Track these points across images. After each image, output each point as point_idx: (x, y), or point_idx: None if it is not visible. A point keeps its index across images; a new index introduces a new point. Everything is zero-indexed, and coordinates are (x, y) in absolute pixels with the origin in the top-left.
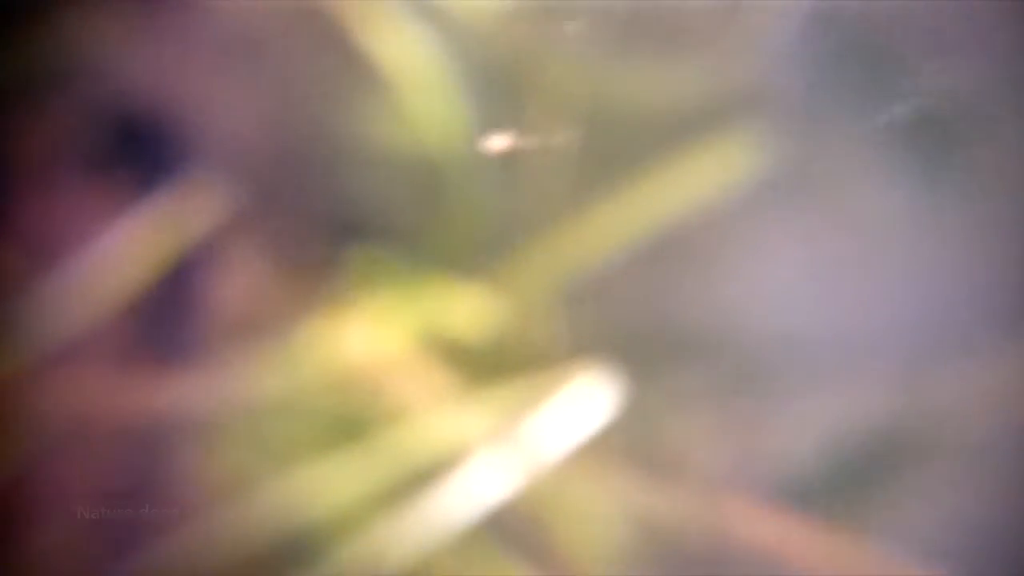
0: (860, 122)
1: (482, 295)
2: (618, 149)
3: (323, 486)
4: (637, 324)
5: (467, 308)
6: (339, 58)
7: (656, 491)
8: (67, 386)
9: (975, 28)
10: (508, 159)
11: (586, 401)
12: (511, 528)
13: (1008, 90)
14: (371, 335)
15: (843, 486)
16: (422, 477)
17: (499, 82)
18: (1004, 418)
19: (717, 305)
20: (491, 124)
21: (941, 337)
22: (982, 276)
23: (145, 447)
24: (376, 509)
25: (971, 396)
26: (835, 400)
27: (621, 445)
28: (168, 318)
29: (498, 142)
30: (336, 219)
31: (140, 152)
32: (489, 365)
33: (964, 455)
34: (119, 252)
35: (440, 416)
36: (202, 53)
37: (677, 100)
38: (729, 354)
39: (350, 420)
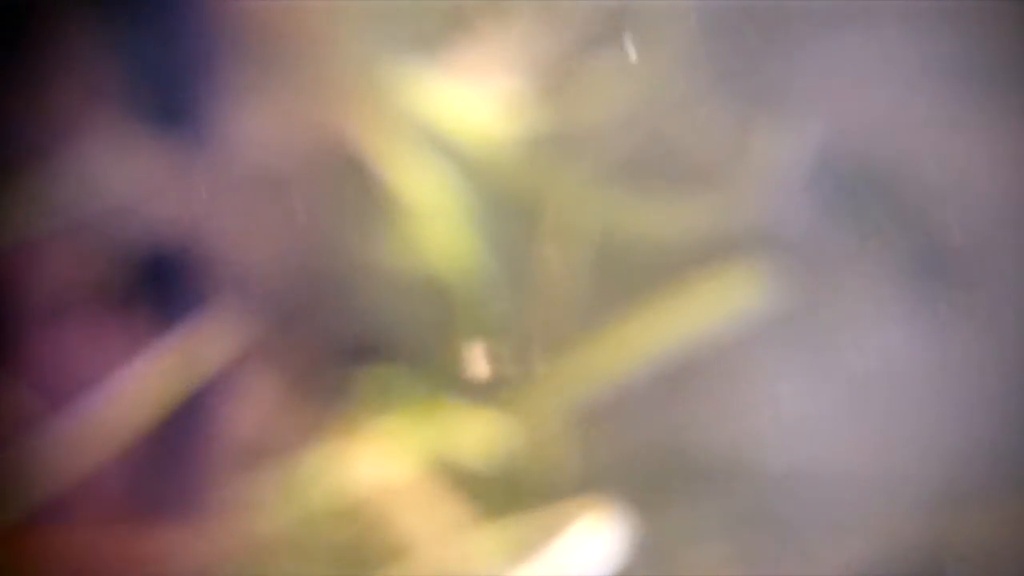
0: (869, 258)
1: (493, 421)
2: (628, 280)
3: None
4: (648, 454)
5: (478, 434)
6: (358, 191)
7: None
8: (75, 530)
9: (983, 166)
10: (519, 286)
11: (598, 535)
12: None
13: (1018, 228)
14: (381, 461)
15: None
16: None
17: (512, 211)
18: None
19: (730, 437)
20: (504, 251)
21: (959, 475)
22: (999, 412)
23: None
24: None
25: (992, 536)
26: (850, 537)
27: (629, 570)
28: (178, 452)
29: (480, 367)
30: (348, 343)
31: (158, 286)
32: (500, 493)
33: None
34: (134, 389)
35: (450, 548)
36: (223, 189)
37: (687, 233)
38: (742, 488)
39: (359, 552)
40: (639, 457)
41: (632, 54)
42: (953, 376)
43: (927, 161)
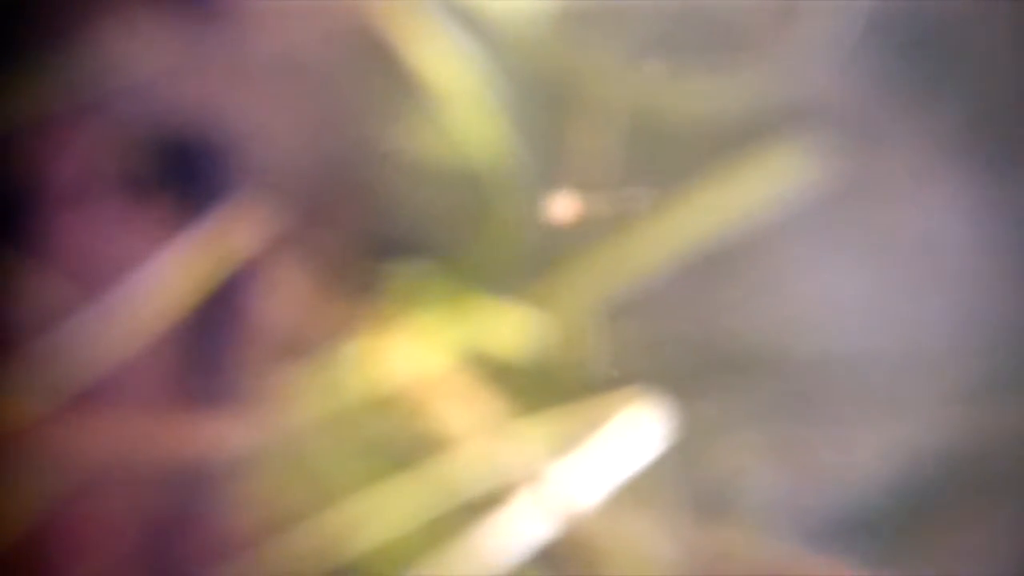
0: (917, 135)
1: (526, 314)
2: (664, 162)
3: (368, 515)
4: (684, 343)
5: (511, 327)
6: (382, 75)
7: (705, 522)
8: (108, 419)
9: None
10: (551, 173)
11: (634, 427)
12: (558, 558)
13: None
14: (414, 355)
15: (900, 512)
16: (468, 504)
17: (544, 95)
18: None
19: (767, 324)
20: (535, 135)
21: (1001, 359)
22: None
23: (191, 477)
24: (422, 538)
25: None
26: (891, 423)
27: (670, 470)
28: (211, 342)
29: (563, 207)
30: (380, 237)
31: (183, 172)
32: (534, 386)
33: (1022, 485)
34: (162, 278)
35: (485, 440)
36: (246, 73)
37: (726, 111)
38: (780, 375)
39: (394, 444)
40: (673, 347)
41: None
42: (996, 256)
43: (978, 27)
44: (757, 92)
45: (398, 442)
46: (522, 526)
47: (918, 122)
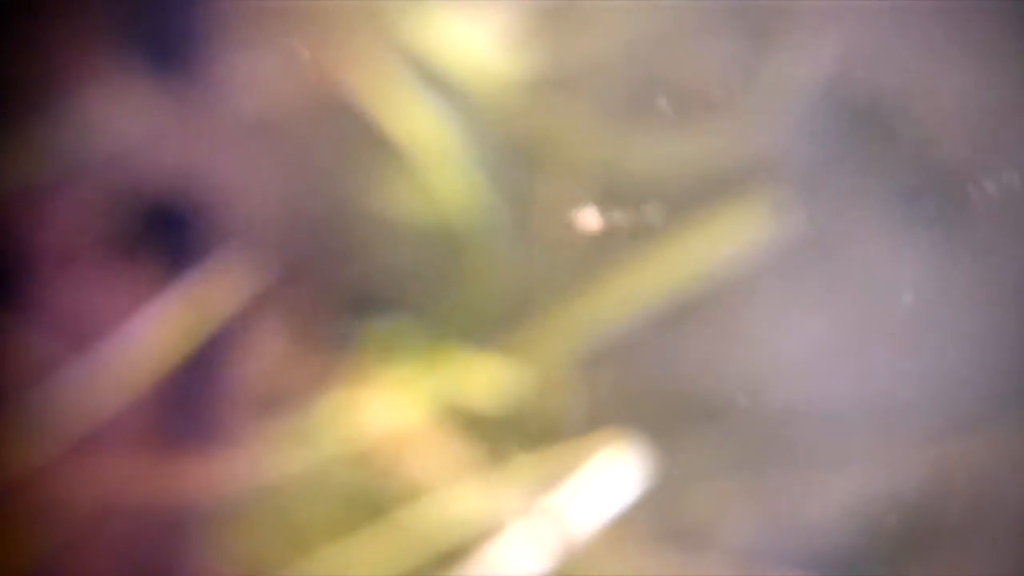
0: (873, 189)
1: (501, 365)
2: (633, 218)
3: (346, 565)
4: (657, 392)
5: (486, 378)
6: (358, 137)
7: (680, 565)
8: (94, 471)
9: (986, 98)
10: (522, 228)
11: (609, 473)
12: None
13: (1018, 158)
14: (391, 408)
15: (870, 558)
16: (445, 553)
17: (516, 153)
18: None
19: (737, 373)
20: (508, 195)
21: (967, 405)
22: (1006, 342)
23: (170, 529)
24: None
25: (996, 465)
26: (860, 469)
27: (644, 516)
28: (192, 398)
29: (590, 219)
30: (356, 292)
31: (166, 234)
32: (510, 436)
33: (991, 525)
34: (146, 335)
35: (461, 490)
36: (225, 137)
37: (693, 167)
38: (748, 423)
39: (371, 496)
40: (644, 396)
41: None
42: (954, 307)
43: (931, 91)
44: (719, 151)
45: (375, 493)
46: (499, 574)
47: (871, 180)
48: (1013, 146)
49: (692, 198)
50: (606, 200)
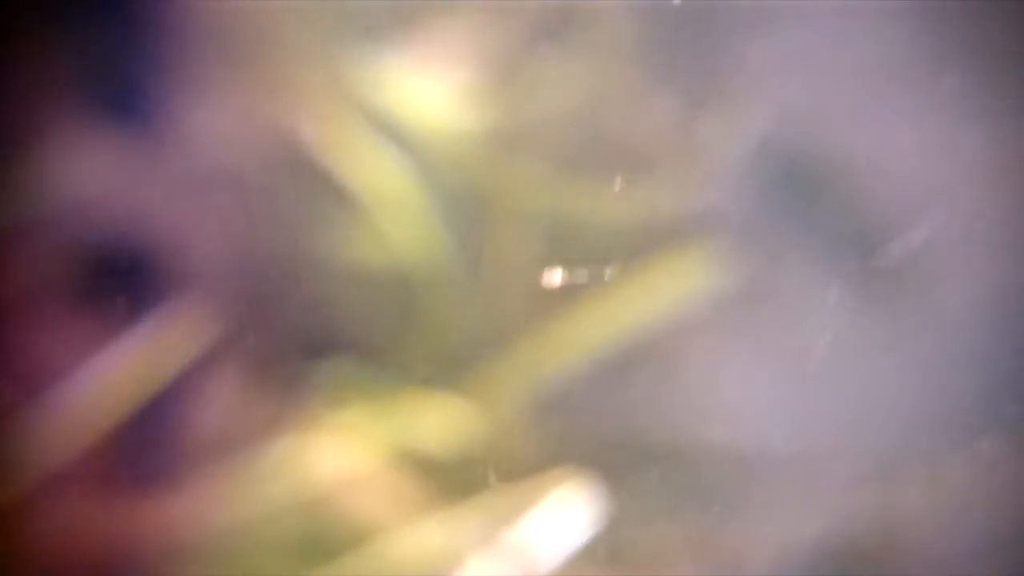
0: (808, 242)
1: (454, 408)
2: (580, 266)
3: None
4: (603, 435)
5: (439, 422)
6: (314, 184)
7: None
8: (46, 517)
9: (917, 155)
10: (475, 275)
11: (561, 514)
12: None
13: (949, 212)
14: (344, 452)
15: None
16: None
17: (469, 203)
18: (965, 526)
19: (679, 417)
20: (462, 243)
21: (897, 448)
22: (937, 387)
23: (123, 572)
24: None
25: (929, 506)
26: (795, 509)
27: (592, 556)
28: (144, 443)
29: (555, 277)
30: (309, 336)
31: (122, 283)
32: (462, 479)
33: (924, 565)
34: (101, 383)
35: (415, 533)
36: (182, 185)
37: (637, 220)
38: (690, 465)
39: (325, 541)
40: (594, 438)
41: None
42: (888, 353)
43: (863, 150)
44: (661, 205)
45: (328, 538)
46: None
47: (802, 234)
48: (937, 205)
49: (636, 249)
50: (554, 250)
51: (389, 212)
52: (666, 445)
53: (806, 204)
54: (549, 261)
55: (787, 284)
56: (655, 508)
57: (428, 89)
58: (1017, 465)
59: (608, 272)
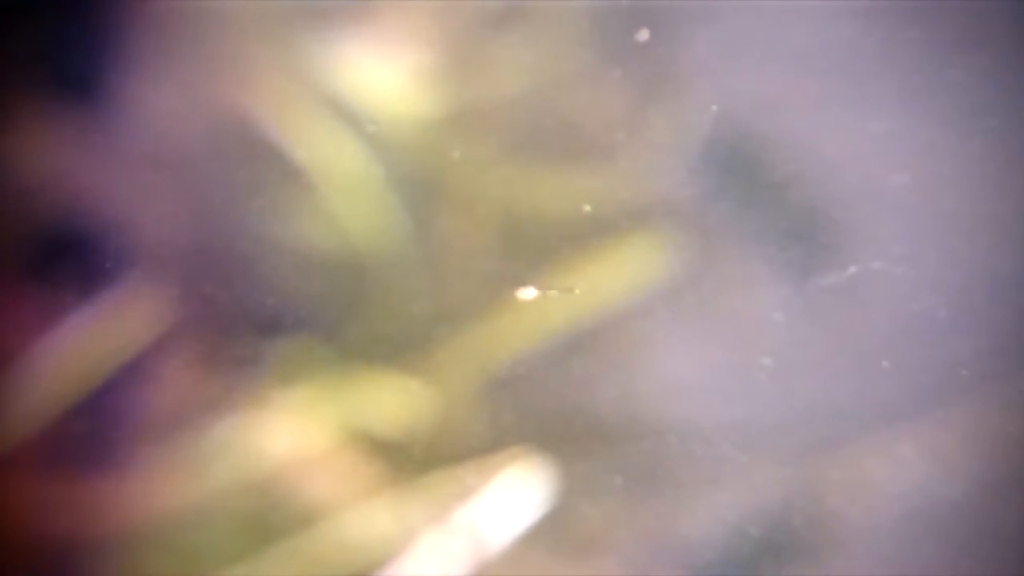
0: (752, 229)
1: (405, 388)
2: (531, 251)
3: None
4: (554, 415)
5: (391, 401)
6: (267, 165)
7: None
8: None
9: (861, 143)
10: (427, 256)
11: (512, 492)
12: None
13: (901, 204)
14: (293, 432)
15: (751, 567)
16: (348, 573)
17: (421, 184)
18: (904, 502)
19: (626, 398)
20: (412, 225)
21: (841, 427)
22: (873, 372)
23: (71, 555)
24: None
25: (868, 483)
26: (742, 487)
27: (543, 531)
28: (93, 423)
29: (528, 292)
30: (260, 316)
31: (72, 263)
32: (414, 458)
33: (862, 541)
34: (52, 364)
35: (366, 512)
36: (133, 164)
37: (585, 207)
38: (638, 443)
39: (276, 520)
40: (544, 417)
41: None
42: (826, 336)
43: (810, 138)
44: (613, 190)
45: (279, 517)
46: None
47: (749, 221)
48: (888, 194)
49: (585, 233)
50: (504, 231)
51: (342, 193)
52: (615, 425)
53: (755, 191)
54: (500, 242)
55: (736, 268)
56: (604, 487)
57: (382, 71)
58: (958, 438)
59: (576, 290)
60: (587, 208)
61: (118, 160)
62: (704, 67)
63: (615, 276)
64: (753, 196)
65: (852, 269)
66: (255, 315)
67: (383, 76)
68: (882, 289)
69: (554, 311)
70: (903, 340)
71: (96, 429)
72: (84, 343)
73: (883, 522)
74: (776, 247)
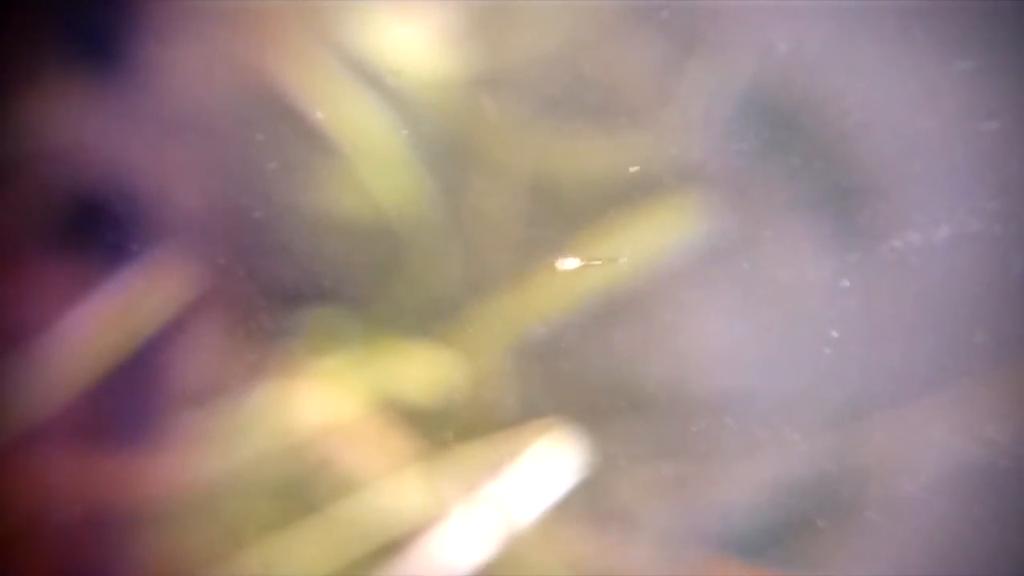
0: (791, 192)
1: (436, 357)
2: (563, 217)
3: (282, 560)
4: (587, 384)
5: (422, 370)
6: (294, 131)
7: (608, 549)
8: (29, 469)
9: (902, 105)
10: (458, 223)
11: (543, 464)
12: None
13: (930, 158)
14: (326, 401)
15: (786, 538)
16: (383, 545)
17: (449, 149)
18: (937, 469)
19: (662, 367)
20: (441, 192)
21: (873, 394)
22: (908, 337)
23: (106, 526)
24: None
25: (902, 450)
26: (774, 455)
27: (576, 502)
28: (126, 394)
29: (569, 263)
30: (290, 286)
31: (100, 233)
32: (445, 427)
33: (898, 505)
34: (81, 334)
35: (398, 482)
36: (159, 131)
37: (617, 171)
38: (673, 413)
39: (308, 489)
40: (578, 386)
41: None
42: (867, 302)
43: (849, 98)
44: (647, 152)
45: (311, 487)
46: (435, 566)
47: (788, 184)
48: (934, 153)
49: (617, 198)
50: (535, 199)
51: (369, 158)
52: (648, 393)
53: (791, 152)
54: (532, 211)
55: (771, 234)
56: (637, 455)
57: (409, 34)
58: (987, 405)
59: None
60: (631, 169)
61: (141, 127)
62: (746, 18)
63: (658, 241)
64: (791, 154)
65: (891, 224)
66: (283, 284)
67: (412, 38)
68: (923, 241)
69: (593, 278)
70: (941, 290)
71: (128, 399)
72: (113, 313)
73: (934, 492)
74: (813, 206)
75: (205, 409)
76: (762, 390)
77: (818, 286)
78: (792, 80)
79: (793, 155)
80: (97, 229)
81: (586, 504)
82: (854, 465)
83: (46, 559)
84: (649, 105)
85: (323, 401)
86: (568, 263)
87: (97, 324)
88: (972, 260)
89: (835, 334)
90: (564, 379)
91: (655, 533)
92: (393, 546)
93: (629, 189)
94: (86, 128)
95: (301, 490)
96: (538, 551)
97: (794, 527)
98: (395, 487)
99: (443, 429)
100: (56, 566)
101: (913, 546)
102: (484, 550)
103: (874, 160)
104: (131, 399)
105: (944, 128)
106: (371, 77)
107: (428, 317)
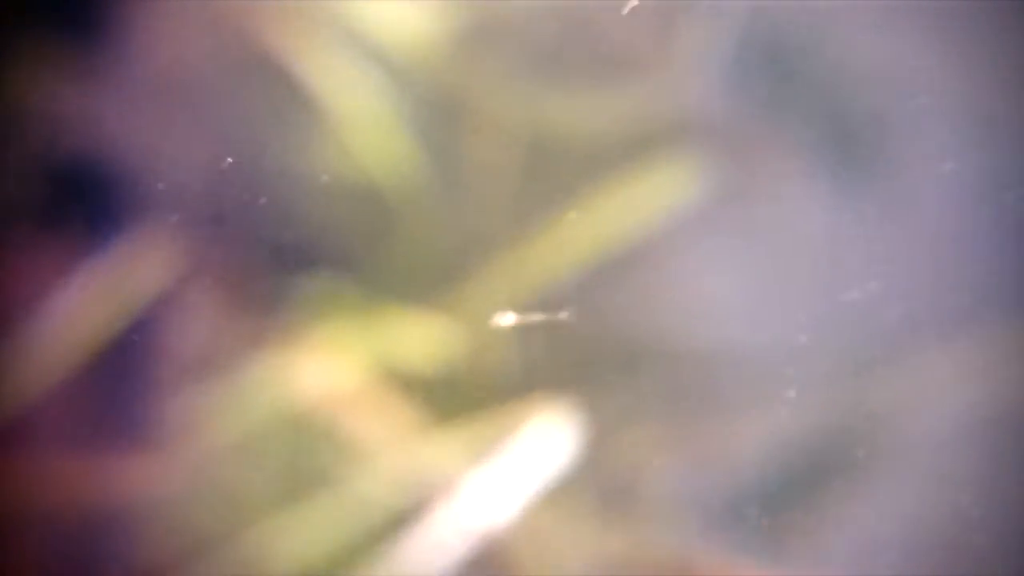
0: (787, 145)
1: (434, 324)
2: (558, 174)
3: (286, 532)
4: (589, 343)
5: (420, 337)
6: (282, 95)
7: (612, 517)
8: (24, 446)
9: (899, 51)
10: (453, 186)
11: (545, 430)
12: (475, 565)
13: (935, 110)
14: (325, 369)
15: (793, 489)
16: (386, 515)
17: (440, 110)
18: (944, 418)
19: (661, 323)
20: (434, 153)
21: (874, 346)
22: (912, 284)
23: (107, 501)
24: (341, 554)
25: (908, 399)
26: (778, 406)
27: (577, 467)
28: (122, 365)
29: (507, 319)
30: (286, 253)
31: (89, 202)
32: (445, 394)
33: (904, 455)
34: (73, 307)
35: (400, 451)
36: (147, 98)
37: (615, 125)
38: (673, 370)
39: (308, 459)
40: (579, 346)
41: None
42: (867, 252)
43: (843, 47)
44: (641, 106)
45: (312, 457)
46: (439, 536)
47: (787, 134)
48: (929, 100)
49: (615, 153)
50: (530, 156)
51: (357, 120)
52: (649, 349)
53: (793, 102)
54: (526, 170)
55: (770, 185)
56: (638, 411)
57: None
58: (992, 358)
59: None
60: (622, 125)
61: (129, 94)
62: None
63: (650, 195)
64: (789, 105)
65: (889, 175)
66: (277, 251)
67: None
68: (923, 192)
69: (590, 236)
70: (944, 242)
71: (127, 371)
72: (105, 287)
73: (938, 440)
74: (810, 156)
75: (202, 380)
76: (765, 341)
77: (813, 236)
78: (783, 28)
79: (793, 102)
80: (85, 200)
81: (590, 467)
82: (856, 418)
83: (49, 524)
84: (640, 58)
85: (322, 370)
86: (506, 319)
87: (89, 298)
88: (975, 200)
89: (836, 284)
90: (567, 339)
91: (658, 493)
92: (397, 515)
93: (626, 143)
94: (71, 98)
95: (301, 460)
96: (541, 518)
97: (798, 479)
98: (397, 456)
99: (444, 396)
100: (59, 532)
101: (920, 497)
102: (489, 519)
103: (867, 104)
104: (129, 372)
105: (935, 65)
106: (355, 35)
107: (425, 282)
